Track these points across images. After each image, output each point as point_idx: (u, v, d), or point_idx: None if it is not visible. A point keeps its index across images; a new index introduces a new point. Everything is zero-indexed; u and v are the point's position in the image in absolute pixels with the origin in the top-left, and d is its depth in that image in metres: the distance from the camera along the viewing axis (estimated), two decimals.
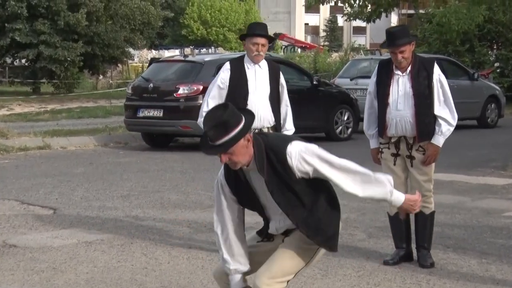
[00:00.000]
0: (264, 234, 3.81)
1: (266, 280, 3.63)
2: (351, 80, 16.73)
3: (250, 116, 3.54)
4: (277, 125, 6.11)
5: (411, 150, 5.72)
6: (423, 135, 5.68)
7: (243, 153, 3.47)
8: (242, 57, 6.15)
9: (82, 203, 8.37)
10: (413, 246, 5.92)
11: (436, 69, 5.72)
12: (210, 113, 3.49)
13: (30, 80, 27.80)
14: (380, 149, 5.82)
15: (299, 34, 62.95)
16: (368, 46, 58.12)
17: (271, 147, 3.52)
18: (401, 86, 5.69)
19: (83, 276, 5.58)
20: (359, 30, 66.79)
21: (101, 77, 32.84)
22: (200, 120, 5.93)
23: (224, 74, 6.05)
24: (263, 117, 6.02)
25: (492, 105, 17.65)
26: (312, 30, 70.11)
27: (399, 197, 3.65)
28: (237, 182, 3.65)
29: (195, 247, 6.39)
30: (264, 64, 6.12)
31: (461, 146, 13.23)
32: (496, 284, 5.35)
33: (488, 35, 24.88)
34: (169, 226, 7.23)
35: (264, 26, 6.10)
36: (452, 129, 5.73)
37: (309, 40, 62.12)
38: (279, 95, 6.16)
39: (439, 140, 5.69)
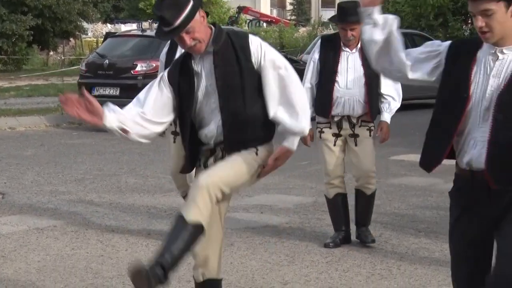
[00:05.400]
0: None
1: (208, 180, 3.66)
2: None
3: None
4: None
5: (354, 128, 5.82)
6: (375, 115, 5.87)
7: (203, 30, 3.71)
8: None
9: (33, 187, 8.30)
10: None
11: None
12: (159, 2, 3.67)
13: None
14: (320, 129, 5.88)
15: (265, 8, 62.80)
16: None
17: (234, 32, 3.85)
18: (350, 64, 5.76)
19: (34, 265, 5.55)
20: (328, 4, 66.81)
21: (52, 52, 32.44)
22: None
23: (166, 49, 6.18)
24: None
25: None
26: (278, 4, 69.98)
27: (294, 142, 3.87)
28: (181, 75, 3.78)
29: (154, 233, 6.39)
30: None
31: None
32: None
33: (463, 9, 25.09)
34: (126, 212, 7.22)
35: None
36: (398, 106, 5.94)
37: (275, 14, 62.03)
38: None
39: (388, 117, 5.90)
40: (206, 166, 3.87)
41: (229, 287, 4.97)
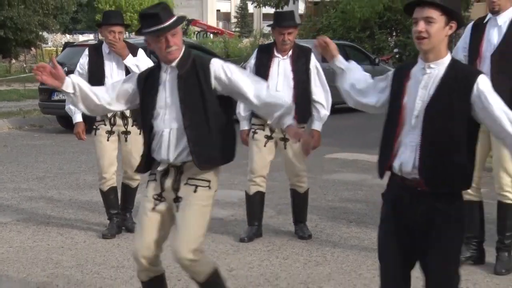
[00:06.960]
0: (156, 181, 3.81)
1: (188, 251, 3.68)
2: None
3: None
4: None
5: (286, 133, 5.77)
6: (301, 118, 5.68)
7: (180, 39, 3.72)
8: (100, 44, 6.08)
9: None
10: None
11: (313, 57, 5.83)
12: (152, 5, 3.73)
13: None
14: (254, 130, 5.83)
15: (211, 20, 62.68)
16: None
17: (199, 57, 3.79)
18: (281, 69, 5.75)
19: None
20: (268, 17, 67.04)
21: (14, 61, 31.81)
22: (68, 107, 6.00)
23: (83, 60, 6.04)
24: None
25: None
26: (224, 17, 69.95)
27: (290, 118, 3.85)
28: (149, 81, 3.76)
29: None
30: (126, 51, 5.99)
31: (365, 127, 13.53)
32: None
33: (388, 23, 25.49)
34: (85, 207, 7.13)
35: (119, 14, 6.06)
36: (328, 114, 5.86)
37: (221, 26, 61.94)
38: None
39: (320, 125, 5.83)
40: (162, 187, 3.79)
41: (177, 277, 4.95)
